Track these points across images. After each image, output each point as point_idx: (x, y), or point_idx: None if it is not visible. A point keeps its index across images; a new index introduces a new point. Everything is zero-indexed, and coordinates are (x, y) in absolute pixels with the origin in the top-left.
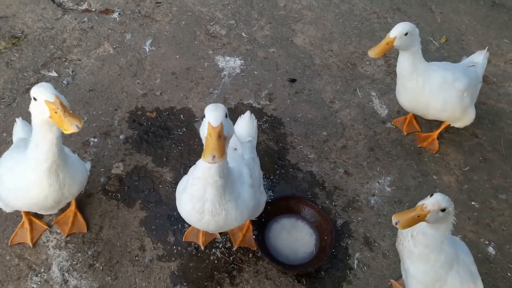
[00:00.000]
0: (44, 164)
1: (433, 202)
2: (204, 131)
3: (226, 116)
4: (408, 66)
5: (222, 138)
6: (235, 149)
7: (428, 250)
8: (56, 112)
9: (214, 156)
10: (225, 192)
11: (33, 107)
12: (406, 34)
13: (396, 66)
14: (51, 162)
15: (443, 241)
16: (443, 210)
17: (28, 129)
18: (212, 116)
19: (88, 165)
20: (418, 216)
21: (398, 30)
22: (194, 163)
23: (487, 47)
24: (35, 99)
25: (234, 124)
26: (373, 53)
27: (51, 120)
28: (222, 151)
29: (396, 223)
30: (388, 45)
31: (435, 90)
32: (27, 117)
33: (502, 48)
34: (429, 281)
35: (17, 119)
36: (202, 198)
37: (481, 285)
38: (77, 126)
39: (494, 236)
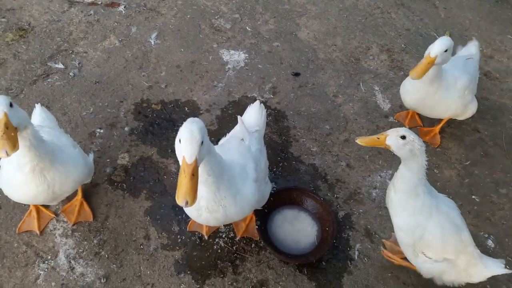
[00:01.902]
0: (25, 167)
1: (393, 129)
2: (177, 149)
3: (202, 142)
4: (432, 73)
5: (196, 175)
6: (242, 139)
7: (406, 196)
8: None
9: (187, 202)
10: (219, 189)
11: None
12: (446, 50)
13: (400, 61)
14: (31, 165)
15: (417, 185)
16: (403, 137)
17: (46, 116)
18: (187, 149)
19: (91, 157)
20: (378, 138)
21: (438, 49)
22: None
23: (473, 38)
24: None
25: (243, 113)
26: (415, 75)
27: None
28: (195, 193)
29: (356, 138)
30: (429, 64)
31: (443, 94)
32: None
33: (506, 44)
34: (409, 228)
35: (36, 105)
36: None
37: (468, 237)
38: (6, 152)
39: (494, 229)
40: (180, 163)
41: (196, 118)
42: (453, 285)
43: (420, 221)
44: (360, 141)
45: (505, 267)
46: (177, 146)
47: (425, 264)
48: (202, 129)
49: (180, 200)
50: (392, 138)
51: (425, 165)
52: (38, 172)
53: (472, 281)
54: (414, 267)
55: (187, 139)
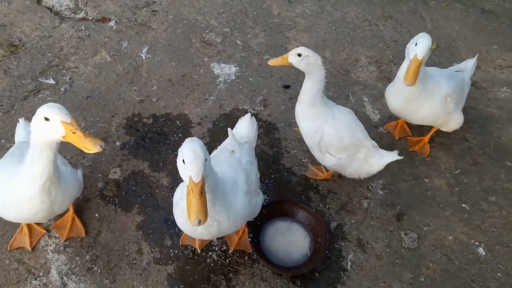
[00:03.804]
0: (39, 180)
1: (294, 48)
2: (181, 170)
3: (205, 159)
4: None
5: (204, 193)
6: (233, 151)
7: (307, 105)
8: (74, 133)
9: (200, 220)
10: (214, 204)
11: (41, 127)
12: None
13: (388, 72)
14: (46, 178)
15: (315, 96)
16: (299, 55)
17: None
18: (193, 168)
19: (79, 173)
20: (283, 58)
21: (425, 49)
22: None
23: (477, 54)
24: (47, 119)
25: (234, 126)
26: (410, 82)
27: (58, 140)
28: (206, 211)
29: (268, 61)
30: (419, 67)
31: (426, 97)
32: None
33: (492, 54)
34: (311, 133)
35: (20, 120)
36: None
37: (362, 134)
38: (100, 146)
39: (485, 237)
40: (186, 183)
41: (194, 137)
42: (359, 177)
43: (317, 125)
44: (270, 62)
45: (398, 155)
46: (181, 167)
47: (332, 161)
48: (203, 147)
49: (192, 219)
50: (291, 56)
51: (324, 77)
52: (48, 187)
53: (372, 171)
54: (330, 177)
55: (192, 159)
